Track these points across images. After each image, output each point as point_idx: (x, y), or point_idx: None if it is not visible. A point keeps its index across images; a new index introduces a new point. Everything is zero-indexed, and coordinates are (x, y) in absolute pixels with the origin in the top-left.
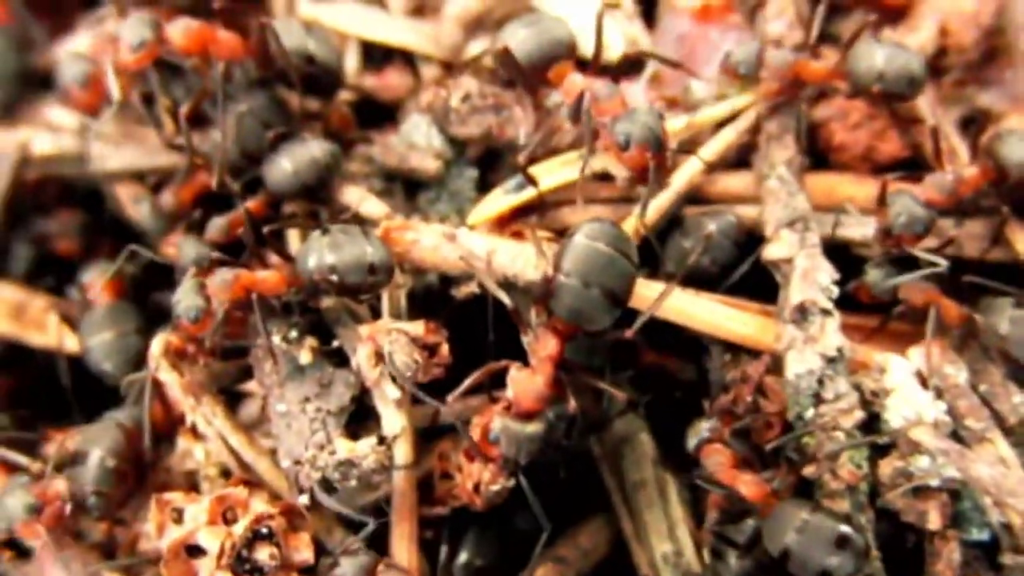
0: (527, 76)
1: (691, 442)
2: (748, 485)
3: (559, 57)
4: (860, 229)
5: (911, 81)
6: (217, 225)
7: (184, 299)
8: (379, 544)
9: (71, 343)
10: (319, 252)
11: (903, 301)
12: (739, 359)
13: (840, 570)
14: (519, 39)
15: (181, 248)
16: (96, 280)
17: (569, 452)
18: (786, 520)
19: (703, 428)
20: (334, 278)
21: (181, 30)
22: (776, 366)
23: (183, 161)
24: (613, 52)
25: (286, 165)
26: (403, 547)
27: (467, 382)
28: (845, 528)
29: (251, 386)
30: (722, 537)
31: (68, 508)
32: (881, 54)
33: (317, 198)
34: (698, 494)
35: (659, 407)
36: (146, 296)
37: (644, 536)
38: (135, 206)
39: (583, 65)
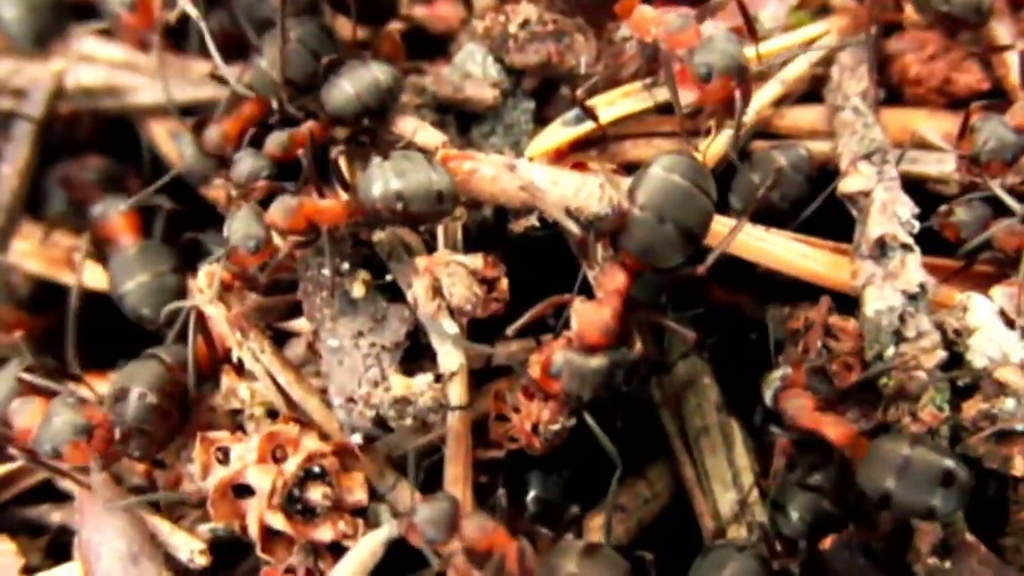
0: (591, 9)
1: (767, 393)
2: (834, 427)
3: None
4: (937, 165)
5: (978, 8)
6: (277, 139)
7: (242, 227)
8: (432, 488)
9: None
10: (384, 179)
11: (993, 243)
12: (797, 310)
13: (945, 508)
14: None
15: (238, 161)
16: (110, 214)
17: (629, 396)
18: (885, 459)
19: (776, 377)
20: (400, 206)
21: None
22: (840, 307)
23: (227, 93)
24: None
25: (347, 88)
26: (457, 491)
27: (529, 313)
28: (950, 463)
29: (296, 325)
30: (805, 485)
31: (117, 432)
32: None
33: (374, 124)
34: (763, 442)
35: (723, 350)
36: (177, 236)
37: (707, 484)
38: (174, 143)
39: None
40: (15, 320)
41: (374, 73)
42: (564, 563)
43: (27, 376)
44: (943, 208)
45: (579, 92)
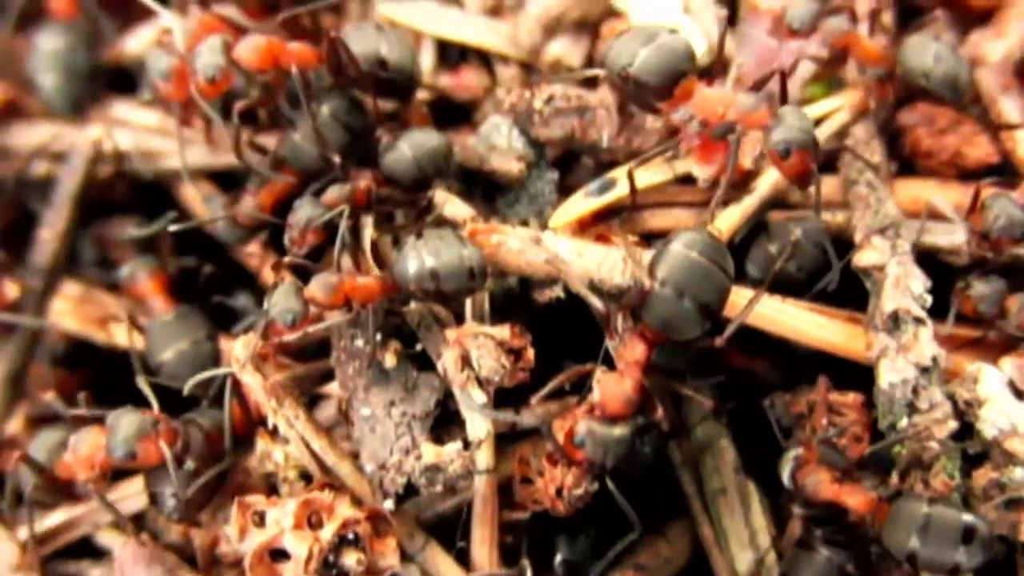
0: (650, 96)
1: (784, 473)
2: (853, 496)
3: (685, 72)
4: (948, 236)
5: (955, 86)
6: (338, 190)
7: (282, 301)
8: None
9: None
10: (419, 257)
11: (1009, 314)
12: (798, 394)
13: (970, 562)
14: (642, 60)
15: (297, 209)
16: (139, 276)
17: (649, 459)
18: (907, 520)
19: (790, 457)
20: (434, 284)
21: (251, 49)
22: (846, 376)
23: (262, 164)
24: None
25: (406, 151)
26: (484, 551)
27: (552, 383)
28: (969, 518)
29: (327, 389)
30: (830, 541)
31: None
32: (932, 52)
33: (426, 189)
34: (780, 504)
35: (741, 413)
36: (205, 297)
37: (724, 544)
38: (208, 208)
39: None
40: (53, 379)
41: (431, 139)
42: None
43: (78, 411)
44: (960, 284)
45: (631, 166)
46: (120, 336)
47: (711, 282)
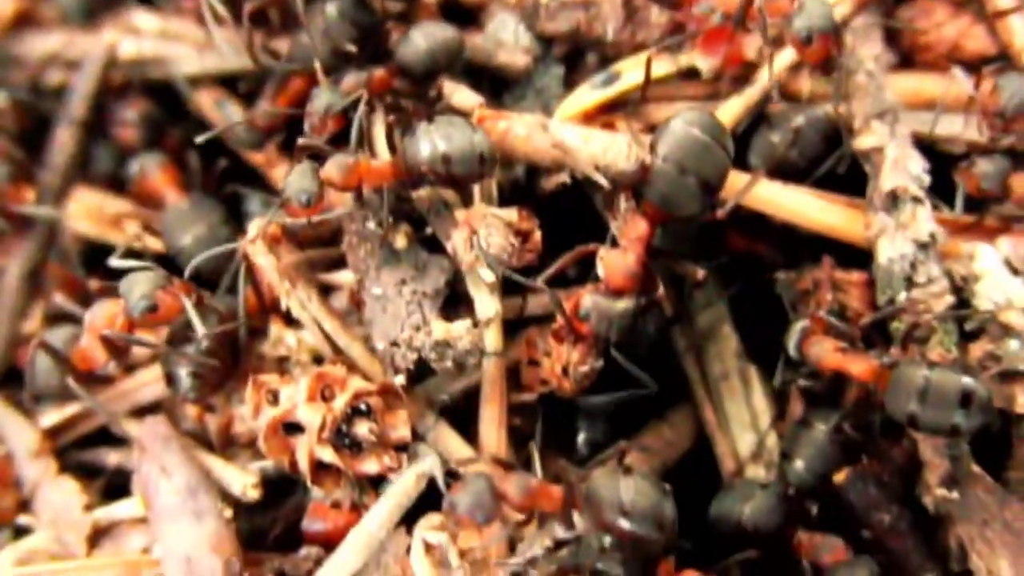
0: None
1: (791, 342)
2: (857, 363)
3: None
4: (947, 126)
5: None
6: (355, 77)
7: (297, 181)
8: (471, 429)
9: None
10: (431, 142)
11: (1011, 193)
12: (803, 272)
13: (968, 424)
14: None
15: (315, 96)
16: (151, 170)
17: (653, 338)
18: (907, 385)
19: (797, 328)
20: (445, 168)
21: None
22: (847, 261)
23: (275, 68)
24: None
25: (420, 42)
26: (492, 431)
27: (558, 263)
28: (968, 381)
29: (339, 278)
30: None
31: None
32: None
33: (436, 79)
34: (781, 388)
35: (742, 300)
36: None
37: (727, 427)
38: (221, 113)
39: None
40: (68, 279)
41: (446, 32)
42: (610, 484)
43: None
44: (963, 164)
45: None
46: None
47: (711, 158)
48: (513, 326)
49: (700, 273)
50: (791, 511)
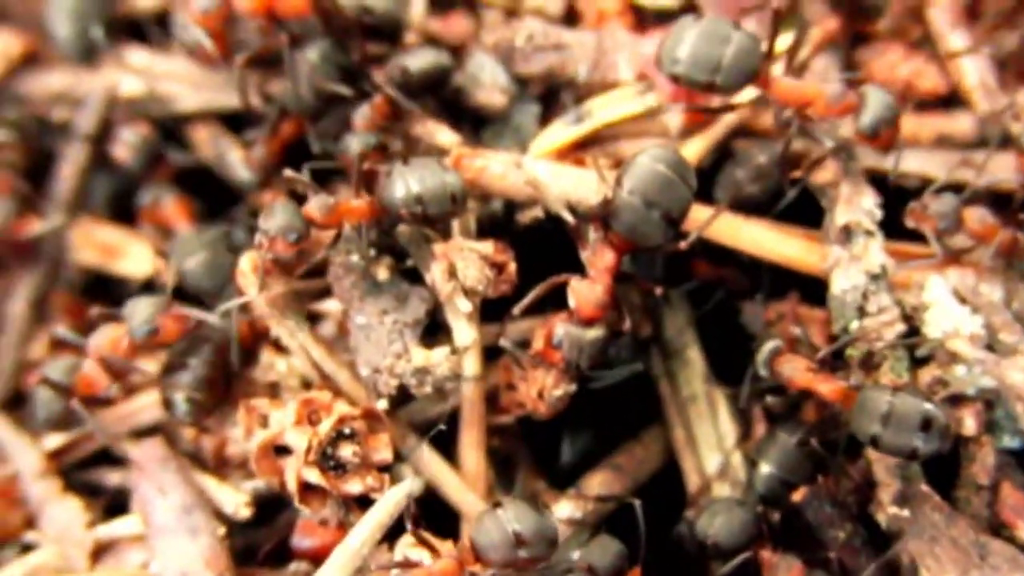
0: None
1: (760, 359)
2: (826, 383)
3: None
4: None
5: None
6: (362, 113)
7: (284, 219)
8: (448, 452)
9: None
10: (405, 183)
11: (965, 228)
12: (769, 304)
13: (927, 448)
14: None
15: (347, 143)
16: (166, 202)
17: (625, 367)
18: (871, 408)
19: (768, 345)
20: (419, 208)
21: None
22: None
23: (270, 113)
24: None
25: (412, 62)
26: (471, 454)
27: (532, 294)
28: (929, 407)
29: (326, 307)
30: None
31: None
32: None
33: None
34: (745, 411)
35: (709, 325)
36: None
37: (695, 447)
38: (226, 157)
39: None
40: (73, 307)
41: (441, 56)
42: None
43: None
44: (915, 205)
45: None
46: (130, 267)
47: (674, 192)
48: (492, 352)
49: (655, 287)
50: (758, 527)
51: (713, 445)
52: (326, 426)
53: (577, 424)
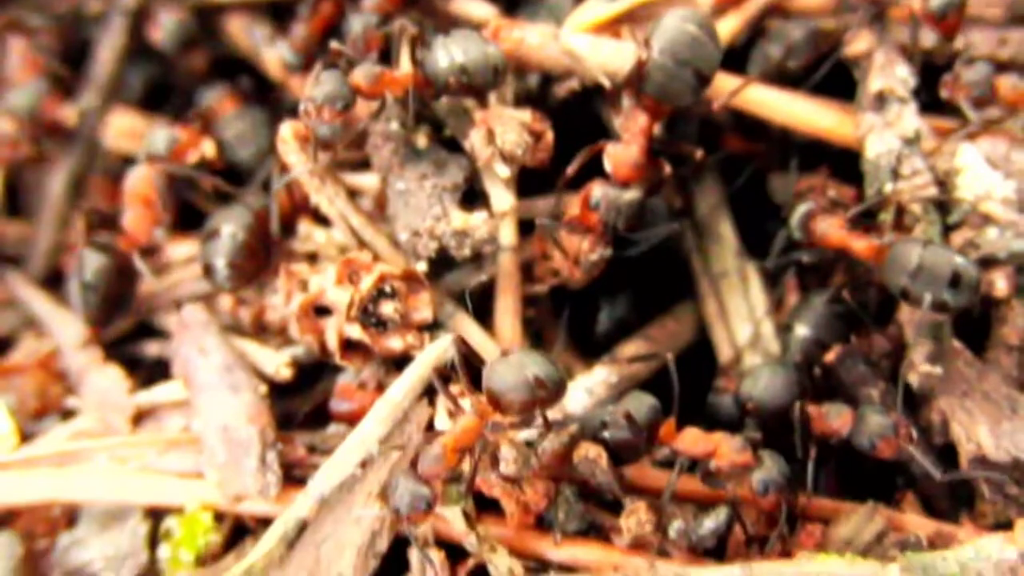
0: None
1: (795, 219)
2: (859, 240)
3: None
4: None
5: None
6: None
7: (328, 86)
8: (485, 323)
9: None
10: (448, 54)
11: (997, 96)
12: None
13: (955, 302)
14: None
15: (351, 23)
16: (220, 99)
17: (663, 227)
18: (902, 262)
19: (802, 207)
20: (463, 78)
21: None
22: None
23: None
24: None
25: None
26: (507, 320)
27: (577, 159)
28: (960, 261)
29: (362, 182)
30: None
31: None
32: None
33: None
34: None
35: (741, 200)
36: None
37: (726, 319)
38: (266, 43)
39: None
40: (109, 191)
41: None
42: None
43: None
44: (948, 77)
45: None
46: None
47: (703, 50)
48: (526, 227)
49: (699, 152)
50: (801, 386)
51: (744, 316)
52: (368, 283)
53: (613, 294)
